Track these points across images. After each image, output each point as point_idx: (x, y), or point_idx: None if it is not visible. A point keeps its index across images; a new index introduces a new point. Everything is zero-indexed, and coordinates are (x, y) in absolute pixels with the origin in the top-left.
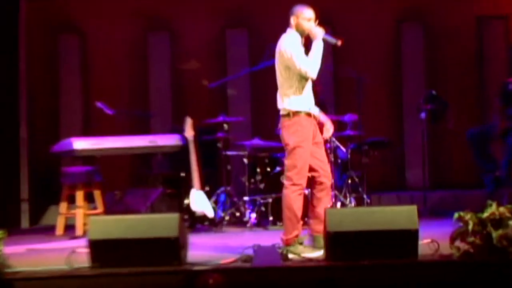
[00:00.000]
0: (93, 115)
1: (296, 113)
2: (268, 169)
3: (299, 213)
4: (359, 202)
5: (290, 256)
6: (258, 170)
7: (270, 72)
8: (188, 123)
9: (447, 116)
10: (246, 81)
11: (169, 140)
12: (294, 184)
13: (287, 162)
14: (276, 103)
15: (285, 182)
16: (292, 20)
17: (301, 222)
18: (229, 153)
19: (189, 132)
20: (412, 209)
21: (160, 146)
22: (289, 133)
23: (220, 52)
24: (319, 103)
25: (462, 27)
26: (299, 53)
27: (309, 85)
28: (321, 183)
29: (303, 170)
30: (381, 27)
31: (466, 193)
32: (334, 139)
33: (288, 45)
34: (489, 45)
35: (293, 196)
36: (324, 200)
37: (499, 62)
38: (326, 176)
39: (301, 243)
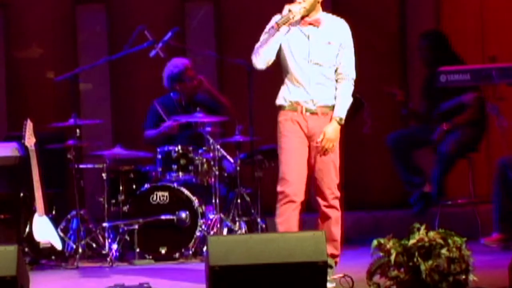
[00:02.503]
0: None
1: (278, 108)
2: (134, 187)
3: (294, 229)
4: (252, 227)
5: None
6: (121, 188)
7: (136, 61)
8: (29, 127)
9: (362, 116)
10: (104, 72)
11: (2, 151)
12: (277, 193)
13: None
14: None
15: None
16: None
17: None
18: (82, 166)
19: (30, 140)
20: (320, 235)
21: None
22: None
23: (69, 35)
24: (195, 105)
25: (380, 3)
26: (265, 31)
27: (300, 72)
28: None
29: (284, 174)
30: None
31: (387, 214)
32: (218, 147)
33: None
34: (415, 27)
35: (277, 208)
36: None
37: None
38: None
39: None
